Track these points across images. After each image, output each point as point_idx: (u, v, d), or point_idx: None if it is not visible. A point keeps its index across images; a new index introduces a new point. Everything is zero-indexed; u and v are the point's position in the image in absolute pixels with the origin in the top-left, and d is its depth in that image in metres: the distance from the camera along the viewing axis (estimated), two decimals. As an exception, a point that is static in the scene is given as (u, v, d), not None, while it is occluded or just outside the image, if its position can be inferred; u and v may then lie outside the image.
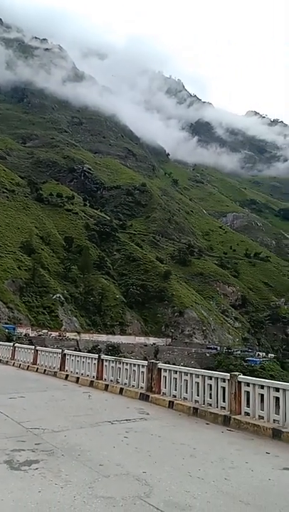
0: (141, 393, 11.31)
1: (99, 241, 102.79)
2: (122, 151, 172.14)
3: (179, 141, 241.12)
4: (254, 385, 8.68)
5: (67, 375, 14.96)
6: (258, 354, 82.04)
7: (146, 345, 76.06)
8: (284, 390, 8.04)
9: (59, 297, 77.13)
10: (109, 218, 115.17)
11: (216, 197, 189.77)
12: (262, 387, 8.50)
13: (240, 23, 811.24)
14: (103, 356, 14.25)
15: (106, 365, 13.47)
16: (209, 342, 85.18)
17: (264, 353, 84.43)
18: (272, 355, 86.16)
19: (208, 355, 76.80)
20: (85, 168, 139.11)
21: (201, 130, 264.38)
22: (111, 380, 13.02)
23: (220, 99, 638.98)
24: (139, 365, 12.23)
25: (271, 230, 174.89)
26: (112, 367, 13.15)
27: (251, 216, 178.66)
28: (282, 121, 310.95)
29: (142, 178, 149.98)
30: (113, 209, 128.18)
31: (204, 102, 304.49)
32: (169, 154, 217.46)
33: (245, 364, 69.77)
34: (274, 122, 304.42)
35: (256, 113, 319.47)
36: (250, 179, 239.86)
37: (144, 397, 11.08)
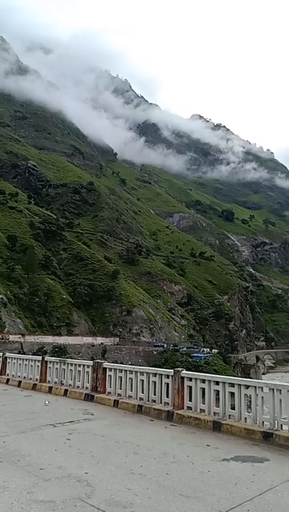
0: (86, 394, 11.17)
1: (44, 240, 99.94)
2: (69, 149, 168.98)
3: (126, 141, 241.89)
4: (196, 379, 8.92)
5: (8, 379, 14.38)
6: (203, 350, 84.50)
7: (93, 346, 75.30)
8: (223, 383, 8.35)
9: (1, 298, 73.88)
10: (55, 217, 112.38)
11: (163, 197, 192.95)
12: (203, 381, 8.76)
13: (187, 26, 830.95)
14: (47, 358, 13.87)
15: (50, 367, 13.14)
16: (156, 340, 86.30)
17: (208, 349, 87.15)
18: (216, 350, 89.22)
19: (155, 352, 77.75)
20: (29, 165, 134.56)
21: (148, 131, 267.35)
22: (55, 382, 12.72)
23: (166, 101, 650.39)
24: (84, 365, 12.08)
25: (215, 230, 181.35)
26: (57, 368, 12.85)
27: (196, 217, 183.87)
28: (224, 126, 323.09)
29: (89, 176, 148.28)
30: (59, 207, 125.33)
31: (151, 104, 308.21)
32: (116, 154, 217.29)
33: (190, 360, 71.57)
34: (217, 127, 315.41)
35: (201, 117, 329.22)
36: (196, 181, 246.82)
37: (89, 398, 10.96)
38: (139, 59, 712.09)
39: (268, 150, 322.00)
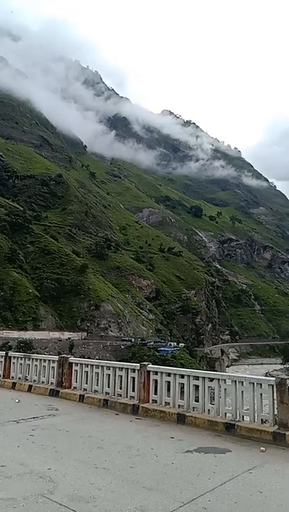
0: (51, 389, 11.02)
1: (10, 232, 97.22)
2: (37, 139, 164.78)
3: (96, 134, 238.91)
4: (162, 373, 9.01)
5: None
6: (170, 344, 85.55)
7: (60, 340, 74.40)
8: (188, 376, 8.48)
9: None
10: (22, 209, 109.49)
11: (133, 192, 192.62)
12: (169, 374, 8.86)
13: (160, 20, 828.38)
14: (11, 353, 13.55)
15: (14, 363, 12.84)
16: (124, 334, 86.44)
17: (175, 343, 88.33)
18: (183, 344, 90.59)
19: (123, 347, 77.90)
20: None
21: (119, 125, 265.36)
22: (19, 378, 12.46)
23: (137, 95, 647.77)
24: (49, 360, 11.89)
25: (183, 226, 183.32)
26: (21, 364, 12.58)
27: (166, 212, 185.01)
28: (194, 123, 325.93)
29: (58, 168, 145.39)
30: (26, 199, 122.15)
31: (122, 97, 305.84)
32: (86, 146, 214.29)
33: (157, 354, 72.27)
34: (187, 123, 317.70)
35: (171, 113, 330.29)
36: (165, 176, 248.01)
37: (54, 393, 10.82)
38: (111, 51, 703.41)
39: (235, 148, 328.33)
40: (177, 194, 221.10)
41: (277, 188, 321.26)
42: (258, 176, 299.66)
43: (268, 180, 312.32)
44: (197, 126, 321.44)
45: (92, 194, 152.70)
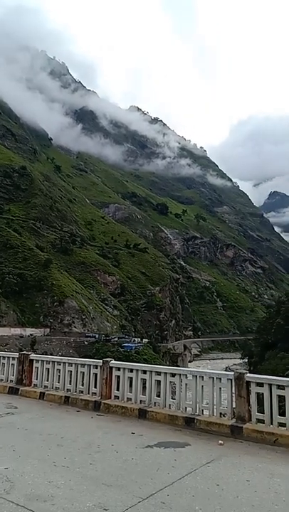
0: (10, 387, 10.73)
1: None
2: (0, 129, 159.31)
3: (62, 126, 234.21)
4: (124, 369, 9.01)
5: None
6: (134, 340, 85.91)
7: (22, 337, 72.69)
8: (150, 371, 8.53)
9: None
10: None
11: (99, 187, 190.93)
12: (131, 370, 8.88)
13: (130, 17, 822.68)
14: None
15: None
16: (88, 330, 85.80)
17: (139, 339, 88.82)
18: (146, 340, 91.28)
19: (86, 343, 77.33)
20: None
21: (86, 118, 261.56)
22: (-23, 376, 12.01)
23: (104, 90, 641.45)
24: (9, 357, 11.57)
25: (149, 223, 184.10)
26: (-22, 361, 12.13)
27: (132, 208, 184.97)
28: (161, 120, 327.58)
29: (21, 160, 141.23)
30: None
31: (89, 90, 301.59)
32: (51, 139, 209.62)
33: (121, 350, 72.38)
34: (154, 120, 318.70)
35: (138, 109, 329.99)
36: (132, 172, 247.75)
37: (13, 391, 10.55)
38: (79, 43, 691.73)
39: (201, 147, 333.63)
40: (144, 191, 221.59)
41: (240, 188, 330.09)
42: (222, 175, 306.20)
43: (231, 180, 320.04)
44: (164, 124, 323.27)
45: (58, 188, 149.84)
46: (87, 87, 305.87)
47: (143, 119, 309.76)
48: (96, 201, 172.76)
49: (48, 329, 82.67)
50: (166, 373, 8.40)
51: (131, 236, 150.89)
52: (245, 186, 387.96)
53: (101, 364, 9.31)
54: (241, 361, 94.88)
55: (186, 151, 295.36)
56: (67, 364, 10.05)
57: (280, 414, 6.85)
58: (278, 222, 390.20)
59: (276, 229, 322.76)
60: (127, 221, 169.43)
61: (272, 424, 6.89)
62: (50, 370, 10.34)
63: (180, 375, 8.24)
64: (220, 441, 6.55)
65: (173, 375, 8.35)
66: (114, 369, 9.14)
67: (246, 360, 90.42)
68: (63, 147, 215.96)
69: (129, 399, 8.75)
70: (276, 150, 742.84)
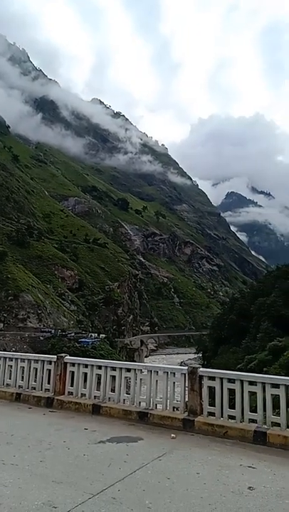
0: None
1: None
2: None
3: (21, 114, 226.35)
4: (79, 364, 8.88)
5: None
6: (91, 335, 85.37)
7: (-27, 332, 70.02)
8: (106, 367, 8.48)
9: None
10: None
11: (59, 179, 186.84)
12: (86, 366, 8.77)
13: (95, 7, 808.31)
14: None
15: None
16: (44, 325, 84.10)
17: (96, 334, 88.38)
18: (104, 335, 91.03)
19: (42, 338, 75.79)
20: None
21: (46, 108, 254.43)
22: None
23: (66, 80, 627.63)
24: None
25: (110, 218, 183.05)
26: None
27: (92, 203, 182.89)
28: (124, 115, 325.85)
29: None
30: None
31: (50, 79, 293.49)
32: (9, 127, 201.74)
33: (78, 345, 71.71)
34: (117, 115, 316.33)
35: (101, 102, 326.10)
36: (93, 166, 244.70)
37: None
38: (41, 31, 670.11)
39: (162, 145, 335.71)
40: (104, 185, 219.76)
41: (199, 187, 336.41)
42: (182, 173, 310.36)
43: (191, 179, 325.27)
44: (127, 119, 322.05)
45: (15, 178, 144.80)
46: (49, 76, 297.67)
47: (105, 112, 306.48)
48: (55, 194, 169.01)
49: (2, 324, 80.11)
50: (121, 368, 8.38)
51: (90, 230, 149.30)
52: (204, 185, 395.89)
53: (55, 360, 9.13)
54: (196, 356, 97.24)
55: (147, 148, 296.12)
56: (19, 360, 9.75)
57: (230, 407, 7.05)
58: (234, 221, 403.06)
59: (232, 228, 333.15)
60: (86, 215, 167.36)
61: (222, 417, 7.08)
62: (1, 366, 9.98)
63: (135, 370, 8.26)
64: (172, 435, 6.64)
65: (128, 370, 8.35)
66: (68, 365, 8.99)
67: (201, 355, 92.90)
68: (22, 136, 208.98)
69: (83, 395, 8.65)
70: (235, 151, 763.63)
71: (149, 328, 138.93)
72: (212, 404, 7.30)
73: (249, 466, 5.40)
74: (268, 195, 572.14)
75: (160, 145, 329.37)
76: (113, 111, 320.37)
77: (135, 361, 72.52)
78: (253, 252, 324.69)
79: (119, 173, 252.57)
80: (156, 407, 7.80)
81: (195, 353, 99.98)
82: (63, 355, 9.31)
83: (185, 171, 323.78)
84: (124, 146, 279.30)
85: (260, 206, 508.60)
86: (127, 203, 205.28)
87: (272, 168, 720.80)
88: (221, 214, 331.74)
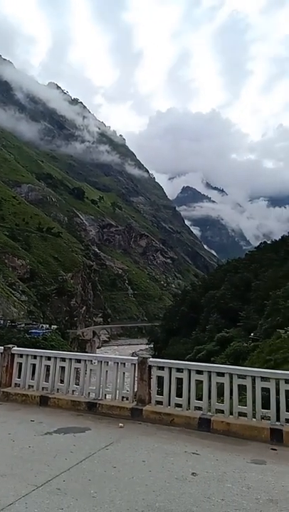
0: None
1: None
2: None
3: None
4: (27, 355, 8.66)
5: None
6: (42, 326, 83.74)
7: None
8: (55, 358, 8.34)
9: None
10: None
11: (12, 165, 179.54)
12: (35, 357, 8.57)
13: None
14: None
15: None
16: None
17: (47, 325, 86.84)
18: (55, 326, 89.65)
19: (-11, 329, 73.07)
20: None
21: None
22: None
23: (22, 62, 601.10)
24: None
25: (64, 207, 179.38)
26: None
27: (47, 190, 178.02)
28: (81, 102, 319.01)
29: None
30: None
31: (4, 59, 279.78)
32: None
33: (28, 336, 70.02)
34: (74, 101, 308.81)
35: (58, 87, 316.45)
36: (48, 153, 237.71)
37: None
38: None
39: (120, 135, 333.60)
40: (60, 173, 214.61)
41: (156, 180, 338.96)
42: (140, 166, 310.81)
43: (148, 172, 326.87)
44: (84, 107, 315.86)
45: None
46: (3, 56, 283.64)
47: (62, 98, 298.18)
48: (7, 179, 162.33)
49: None
50: (71, 359, 8.28)
51: (44, 219, 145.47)
52: (160, 179, 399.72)
53: (2, 351, 8.83)
54: (148, 347, 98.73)
55: (105, 138, 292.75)
56: None
57: (177, 396, 7.22)
58: (189, 215, 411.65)
59: (186, 222, 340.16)
60: (40, 203, 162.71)
61: (170, 405, 7.24)
62: None
63: (85, 360, 8.20)
64: (120, 424, 6.69)
65: (78, 360, 8.27)
66: (16, 356, 8.73)
67: (152, 346, 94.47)
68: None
69: (30, 386, 8.46)
70: (191, 146, 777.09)
71: (102, 319, 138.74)
72: (161, 393, 7.44)
73: (193, 453, 5.57)
74: (222, 191, 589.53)
75: (118, 135, 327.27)
76: (70, 97, 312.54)
77: (87, 352, 72.23)
78: (205, 246, 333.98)
79: (75, 162, 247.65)
80: (105, 397, 7.81)
81: (147, 344, 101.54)
82: (11, 346, 9.03)
83: (142, 163, 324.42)
84: (81, 134, 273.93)
85: (213, 202, 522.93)
86: (82, 192, 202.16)
87: (226, 166, 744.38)
88: (176, 208, 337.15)
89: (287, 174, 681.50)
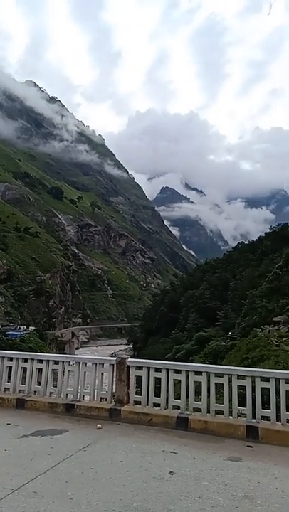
0: None
1: None
2: None
3: None
4: (3, 358, 8.51)
5: None
6: (19, 327, 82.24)
7: None
8: (32, 359, 8.23)
9: None
10: None
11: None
12: (11, 359, 8.43)
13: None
14: None
15: None
16: None
17: (25, 326, 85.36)
18: (33, 327, 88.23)
19: None
20: None
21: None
22: None
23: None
24: None
25: (42, 207, 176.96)
26: None
27: (24, 190, 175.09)
28: (60, 101, 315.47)
29: None
30: None
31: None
32: None
33: (5, 338, 68.61)
34: (52, 99, 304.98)
35: (36, 85, 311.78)
36: (26, 151, 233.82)
37: None
38: None
39: (99, 135, 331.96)
40: (38, 172, 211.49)
41: (135, 180, 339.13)
42: (119, 166, 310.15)
43: (127, 172, 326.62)
44: (63, 105, 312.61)
45: None
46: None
47: (40, 96, 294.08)
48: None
49: None
50: (48, 361, 8.19)
51: (22, 219, 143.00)
52: (140, 179, 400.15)
53: (-24, 354, 8.63)
54: (127, 347, 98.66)
55: (84, 137, 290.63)
56: None
57: (156, 395, 7.25)
58: (168, 216, 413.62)
59: (165, 222, 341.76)
60: (17, 202, 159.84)
61: (148, 405, 7.27)
62: None
63: (63, 362, 8.12)
64: (98, 425, 6.66)
65: (56, 362, 8.19)
66: (-9, 358, 8.56)
67: (132, 346, 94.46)
68: None
69: (6, 389, 8.31)
70: (170, 147, 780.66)
71: (81, 320, 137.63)
72: (139, 393, 7.45)
73: (171, 452, 5.61)
74: (200, 192, 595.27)
75: (97, 135, 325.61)
76: (48, 95, 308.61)
77: (65, 353, 71.53)
78: (184, 247, 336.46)
79: (53, 161, 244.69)
80: (83, 399, 7.76)
81: (126, 344, 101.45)
82: (-14, 348, 8.86)
83: (122, 163, 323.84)
84: (59, 133, 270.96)
85: (192, 202, 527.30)
86: (61, 191, 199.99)
87: (204, 167, 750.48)
88: (156, 208, 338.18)
89: (263, 176, 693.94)
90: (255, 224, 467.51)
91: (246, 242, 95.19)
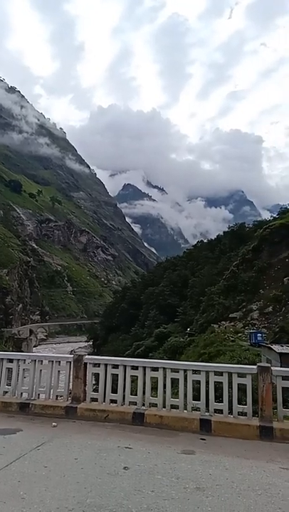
0: None
1: None
2: None
3: None
4: None
5: None
6: (-26, 325, 79.28)
7: None
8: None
9: None
10: None
11: None
12: None
13: None
14: None
15: None
16: None
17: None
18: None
19: None
20: None
21: None
22: None
23: None
24: None
25: (0, 200, 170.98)
26: None
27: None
28: (19, 91, 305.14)
29: None
30: None
31: None
32: None
33: None
34: (12, 89, 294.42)
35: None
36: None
37: None
38: None
39: (61, 129, 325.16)
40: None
41: (97, 176, 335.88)
42: (80, 161, 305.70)
43: (89, 167, 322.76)
44: (23, 96, 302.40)
45: None
46: None
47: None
48: None
49: None
50: (2, 359, 7.98)
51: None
52: (101, 175, 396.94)
53: None
54: (87, 344, 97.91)
55: (44, 130, 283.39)
56: None
57: (112, 392, 7.27)
58: (129, 213, 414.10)
59: (127, 219, 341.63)
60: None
61: (104, 401, 7.27)
62: None
63: (18, 360, 7.94)
64: (53, 424, 6.58)
65: (10, 360, 7.99)
66: None
67: (91, 343, 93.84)
68: None
69: None
70: (132, 144, 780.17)
71: (39, 317, 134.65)
72: (97, 390, 7.44)
73: (126, 447, 5.66)
74: (162, 190, 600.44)
75: (58, 128, 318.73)
76: (7, 85, 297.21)
77: (23, 351, 69.71)
78: (145, 244, 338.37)
79: (12, 153, 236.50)
80: (39, 397, 7.63)
81: (86, 342, 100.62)
82: None
83: (83, 158, 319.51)
84: (18, 124, 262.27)
85: (154, 200, 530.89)
86: (20, 185, 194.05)
87: (166, 165, 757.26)
88: (118, 205, 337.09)
89: (222, 176, 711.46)
90: (215, 223, 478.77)
91: (205, 241, 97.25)
